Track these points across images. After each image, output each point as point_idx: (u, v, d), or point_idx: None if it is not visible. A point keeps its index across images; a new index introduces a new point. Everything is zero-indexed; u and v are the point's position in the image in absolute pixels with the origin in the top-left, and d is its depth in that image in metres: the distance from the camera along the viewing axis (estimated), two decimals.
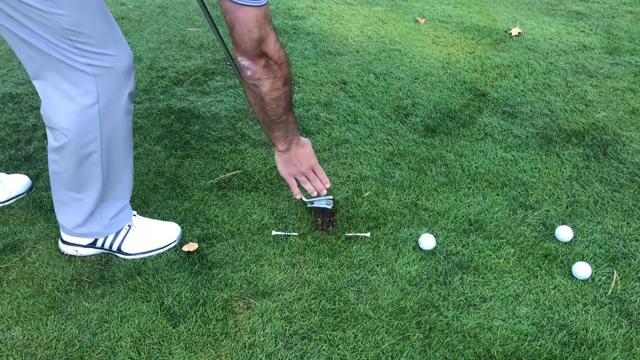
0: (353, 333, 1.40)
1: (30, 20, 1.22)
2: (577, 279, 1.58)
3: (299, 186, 1.65)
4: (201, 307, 1.46)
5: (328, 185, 1.65)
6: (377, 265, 1.61)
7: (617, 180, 1.99)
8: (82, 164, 1.44)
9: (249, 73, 1.30)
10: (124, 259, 1.60)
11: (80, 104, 1.34)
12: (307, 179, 1.62)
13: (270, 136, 1.49)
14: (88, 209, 1.52)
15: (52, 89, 1.33)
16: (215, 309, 1.46)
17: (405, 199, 1.88)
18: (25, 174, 1.91)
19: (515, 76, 2.77)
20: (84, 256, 1.60)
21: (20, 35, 1.25)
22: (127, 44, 1.39)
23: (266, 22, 1.24)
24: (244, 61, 1.28)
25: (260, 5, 1.21)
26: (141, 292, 1.50)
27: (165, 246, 1.63)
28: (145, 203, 1.82)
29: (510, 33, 3.31)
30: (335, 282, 1.55)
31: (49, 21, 1.22)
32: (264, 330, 1.40)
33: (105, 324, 1.41)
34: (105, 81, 1.34)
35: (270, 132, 1.46)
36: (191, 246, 1.64)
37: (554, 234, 1.73)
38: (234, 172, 2.00)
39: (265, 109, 1.38)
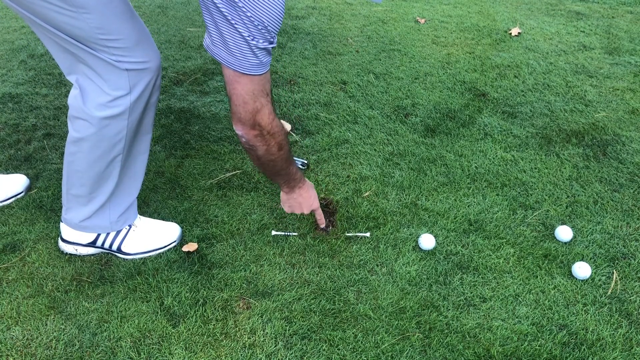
0: (353, 333, 1.40)
1: (63, 16, 1.24)
2: (577, 279, 1.58)
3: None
4: (201, 307, 1.46)
5: (322, 225, 1.73)
6: (377, 265, 1.61)
7: (617, 180, 1.99)
8: (100, 163, 1.45)
9: (243, 140, 1.38)
10: (124, 258, 1.60)
11: (113, 96, 1.36)
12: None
13: (273, 182, 1.60)
14: (99, 203, 1.53)
15: (86, 81, 1.36)
16: (215, 309, 1.46)
17: (405, 199, 1.88)
18: (24, 174, 1.90)
19: (515, 76, 2.77)
20: (83, 255, 1.60)
21: (54, 32, 1.28)
22: (155, 44, 1.42)
23: (262, 95, 1.31)
24: (238, 130, 1.36)
25: (258, 75, 1.28)
26: (141, 292, 1.50)
27: (165, 246, 1.63)
28: (145, 203, 1.82)
29: (510, 33, 3.31)
30: (335, 282, 1.55)
31: (79, 21, 1.24)
32: (264, 330, 1.40)
33: (105, 324, 1.41)
34: (137, 77, 1.37)
35: (272, 180, 1.58)
36: (191, 246, 1.64)
37: (553, 234, 1.73)
38: (234, 172, 2.00)
39: (263, 167, 1.48)
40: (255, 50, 1.23)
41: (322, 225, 1.71)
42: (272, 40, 1.25)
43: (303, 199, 1.61)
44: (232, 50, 1.23)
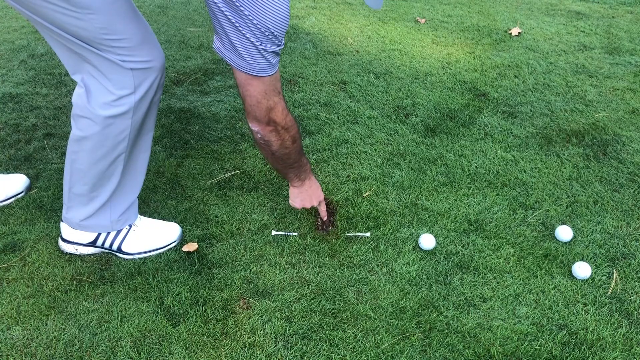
0: (353, 333, 1.40)
1: (67, 17, 1.24)
2: (577, 279, 1.58)
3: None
4: (201, 307, 1.46)
5: (325, 218, 1.75)
6: (377, 265, 1.61)
7: (617, 180, 1.99)
8: (103, 162, 1.45)
9: (258, 136, 1.44)
10: (124, 258, 1.60)
11: (117, 95, 1.37)
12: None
13: (283, 176, 1.62)
14: (100, 201, 1.53)
15: (91, 80, 1.36)
16: (215, 309, 1.46)
17: (405, 199, 1.88)
18: (25, 173, 1.90)
19: (515, 76, 2.77)
20: (83, 255, 1.60)
21: (58, 32, 1.28)
22: (159, 43, 1.43)
23: (274, 94, 1.36)
24: (254, 127, 1.42)
25: (268, 76, 1.31)
26: (141, 292, 1.50)
27: (165, 246, 1.63)
28: (145, 203, 1.82)
29: (510, 33, 3.31)
30: (335, 282, 1.55)
31: (83, 22, 1.25)
32: (264, 330, 1.40)
33: (105, 324, 1.41)
34: (142, 76, 1.38)
35: (284, 174, 1.61)
36: (191, 246, 1.65)
37: (554, 234, 1.73)
38: (234, 172, 2.00)
39: (277, 161, 1.52)
40: (264, 53, 1.26)
41: (325, 218, 1.73)
42: (279, 43, 1.28)
43: (312, 191, 1.65)
44: (242, 54, 1.26)
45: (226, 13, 1.21)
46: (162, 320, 1.42)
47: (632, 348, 1.38)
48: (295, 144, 1.48)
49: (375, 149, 2.15)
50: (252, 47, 1.25)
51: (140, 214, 1.68)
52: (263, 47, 1.25)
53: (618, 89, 2.65)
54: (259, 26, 1.21)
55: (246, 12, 1.19)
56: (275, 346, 1.36)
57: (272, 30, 1.23)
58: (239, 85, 1.35)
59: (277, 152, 1.47)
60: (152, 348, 1.35)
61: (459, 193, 1.91)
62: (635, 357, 1.36)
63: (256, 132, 1.42)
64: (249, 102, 1.36)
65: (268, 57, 1.28)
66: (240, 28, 1.22)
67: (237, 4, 1.18)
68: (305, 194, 1.65)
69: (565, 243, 1.71)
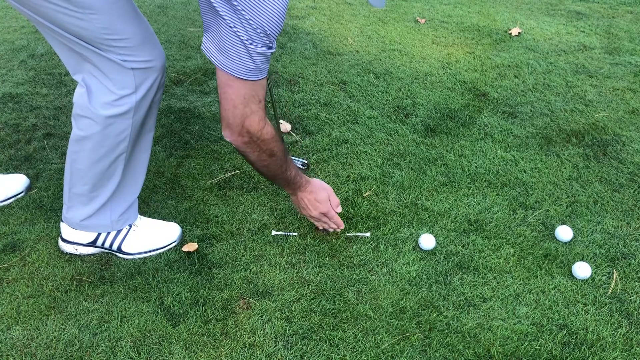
0: (353, 333, 1.40)
1: (69, 17, 1.25)
2: (577, 279, 1.58)
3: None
4: (201, 307, 1.46)
5: (342, 227, 1.69)
6: (377, 265, 1.61)
7: (617, 180, 1.99)
8: (104, 161, 1.45)
9: (234, 145, 1.38)
10: (124, 258, 1.60)
11: (119, 95, 1.37)
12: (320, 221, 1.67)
13: (274, 184, 1.60)
14: (101, 201, 1.53)
15: (92, 80, 1.36)
16: (215, 309, 1.46)
17: (405, 199, 1.88)
18: (25, 174, 1.90)
19: (515, 76, 2.77)
20: (83, 255, 1.60)
21: (60, 32, 1.29)
22: (159, 43, 1.43)
23: (254, 102, 1.29)
24: (227, 137, 1.36)
25: (251, 80, 1.26)
26: (141, 292, 1.50)
27: (165, 246, 1.63)
28: (145, 203, 1.82)
29: (510, 33, 3.31)
30: (335, 282, 1.55)
31: (85, 22, 1.25)
32: (264, 330, 1.40)
33: (105, 324, 1.41)
34: (143, 76, 1.38)
35: (272, 183, 1.57)
36: (191, 246, 1.64)
37: (554, 234, 1.73)
38: (234, 172, 2.00)
39: (259, 170, 1.48)
40: (253, 54, 1.22)
41: (341, 227, 1.68)
42: (270, 45, 1.23)
43: (308, 202, 1.60)
44: (229, 52, 1.22)
45: (218, 8, 1.16)
46: (162, 320, 1.42)
47: (632, 348, 1.38)
48: (274, 158, 1.42)
49: (375, 149, 2.15)
50: (241, 46, 1.20)
51: (140, 214, 1.68)
52: (253, 47, 1.20)
53: (618, 89, 2.65)
54: (252, 22, 1.16)
55: (239, 7, 1.15)
56: (275, 346, 1.36)
57: (266, 29, 1.18)
58: (219, 86, 1.29)
59: (256, 163, 1.43)
60: (152, 348, 1.35)
61: (459, 193, 1.91)
62: (635, 357, 1.36)
63: (230, 141, 1.36)
64: (225, 106, 1.29)
65: (256, 59, 1.23)
66: (231, 24, 1.17)
67: None
68: (302, 203, 1.61)
69: (565, 243, 1.71)
